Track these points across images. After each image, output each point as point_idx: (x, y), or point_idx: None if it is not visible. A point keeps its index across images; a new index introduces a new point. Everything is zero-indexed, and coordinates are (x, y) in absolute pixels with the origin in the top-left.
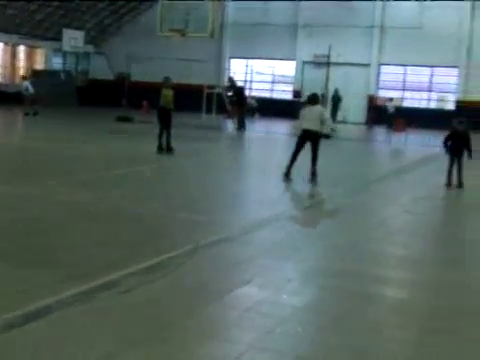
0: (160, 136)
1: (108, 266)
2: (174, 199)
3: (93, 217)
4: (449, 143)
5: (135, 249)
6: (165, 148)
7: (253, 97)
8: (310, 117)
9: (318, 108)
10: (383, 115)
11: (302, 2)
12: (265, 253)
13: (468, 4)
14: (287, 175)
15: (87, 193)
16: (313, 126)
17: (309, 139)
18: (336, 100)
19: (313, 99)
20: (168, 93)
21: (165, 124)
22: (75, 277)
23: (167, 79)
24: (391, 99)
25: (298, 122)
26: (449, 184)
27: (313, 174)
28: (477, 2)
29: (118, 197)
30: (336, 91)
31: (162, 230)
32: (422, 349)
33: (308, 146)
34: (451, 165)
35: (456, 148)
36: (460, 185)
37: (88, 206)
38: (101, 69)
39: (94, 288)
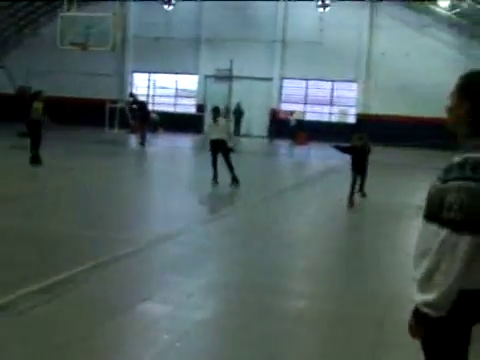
0: (31, 148)
1: (1, 288)
2: (75, 216)
3: None
4: (343, 153)
5: (32, 269)
6: (34, 160)
7: (154, 111)
8: (216, 129)
9: (222, 121)
10: (285, 128)
11: (204, 17)
12: (167, 268)
13: (366, 21)
14: (214, 180)
15: None
16: (219, 136)
17: (218, 149)
18: (238, 114)
19: (215, 113)
20: (38, 106)
21: (35, 136)
22: None
23: (38, 92)
24: (292, 112)
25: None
26: (351, 204)
27: (233, 180)
28: (374, 18)
29: (12, 215)
30: (238, 105)
31: (61, 248)
32: (322, 358)
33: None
34: (354, 183)
35: (358, 165)
36: (363, 195)
37: None
38: (1, 83)
39: None
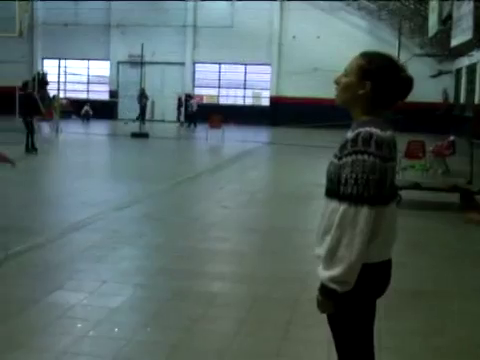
0: None
1: None
2: None
3: None
4: None
5: None
6: None
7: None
8: None
9: None
10: (187, 113)
11: (114, 2)
12: (79, 256)
13: (277, 4)
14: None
15: None
16: None
17: None
18: (141, 99)
19: None
20: None
21: None
22: None
23: None
24: (191, 96)
25: None
26: None
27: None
28: (285, 2)
29: None
30: (142, 90)
31: None
32: (236, 340)
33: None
34: None
35: None
36: None
37: None
38: None
39: None
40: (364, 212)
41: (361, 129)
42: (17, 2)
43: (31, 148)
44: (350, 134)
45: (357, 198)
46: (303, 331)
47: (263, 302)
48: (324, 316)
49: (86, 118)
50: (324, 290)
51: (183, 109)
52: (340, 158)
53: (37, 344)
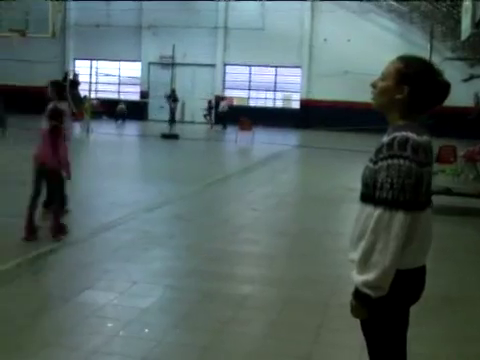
0: None
1: None
2: (13, 204)
3: None
4: None
5: None
6: None
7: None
8: None
9: None
10: (218, 115)
11: (145, 3)
12: (110, 256)
13: (308, 7)
14: None
15: None
16: None
17: None
18: (173, 100)
19: None
20: None
21: None
22: None
23: None
24: (223, 98)
25: None
26: None
27: None
28: (316, 4)
29: None
30: (172, 91)
31: (1, 238)
32: (266, 342)
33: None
34: None
35: None
36: None
37: None
38: None
39: None
40: (399, 217)
41: (397, 133)
42: (50, 2)
43: None
44: (386, 138)
45: (392, 203)
46: (334, 335)
47: (293, 305)
48: (356, 320)
49: (121, 117)
50: (358, 295)
51: (213, 111)
52: (375, 162)
53: (66, 342)
